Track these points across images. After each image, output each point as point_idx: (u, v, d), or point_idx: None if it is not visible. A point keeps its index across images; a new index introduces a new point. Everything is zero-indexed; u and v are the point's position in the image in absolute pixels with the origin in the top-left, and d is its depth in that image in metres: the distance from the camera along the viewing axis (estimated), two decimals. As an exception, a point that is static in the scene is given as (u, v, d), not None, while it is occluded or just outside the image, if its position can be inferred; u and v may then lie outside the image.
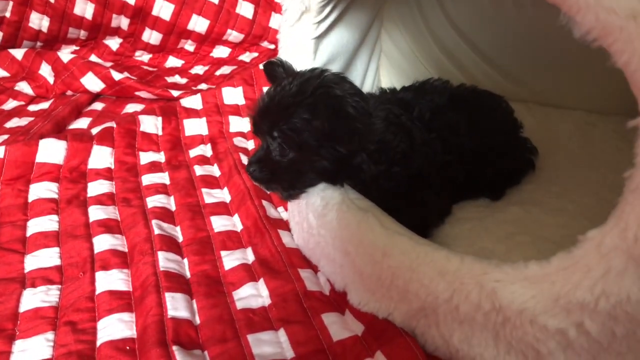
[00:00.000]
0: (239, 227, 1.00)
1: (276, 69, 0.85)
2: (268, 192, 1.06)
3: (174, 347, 0.71)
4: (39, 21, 1.66)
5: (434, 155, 0.89)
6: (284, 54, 1.00)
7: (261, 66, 1.51)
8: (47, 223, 0.99)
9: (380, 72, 1.36)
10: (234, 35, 1.81)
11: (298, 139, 0.72)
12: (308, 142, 0.73)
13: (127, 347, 0.73)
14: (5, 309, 0.79)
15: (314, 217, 0.80)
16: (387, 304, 0.72)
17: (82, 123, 1.42)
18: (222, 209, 1.06)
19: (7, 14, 1.61)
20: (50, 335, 0.75)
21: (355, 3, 1.04)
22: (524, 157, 1.03)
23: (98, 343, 0.74)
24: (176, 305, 0.78)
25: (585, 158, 1.08)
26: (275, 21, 1.84)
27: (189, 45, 1.83)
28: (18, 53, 1.60)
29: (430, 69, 1.37)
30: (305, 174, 0.78)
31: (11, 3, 1.61)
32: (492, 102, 1.03)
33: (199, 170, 1.19)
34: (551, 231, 0.85)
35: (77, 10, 1.68)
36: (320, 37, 0.98)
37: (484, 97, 1.03)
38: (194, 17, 1.75)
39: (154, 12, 1.73)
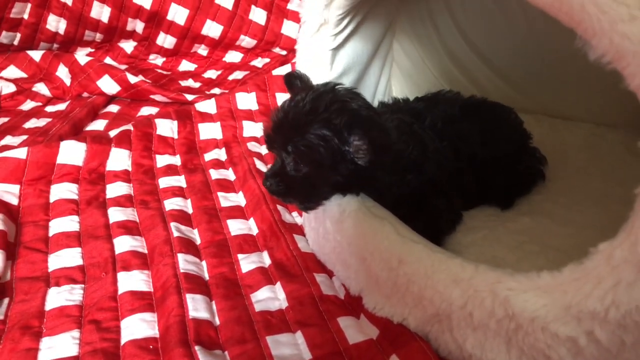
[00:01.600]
0: (254, 230, 1.03)
1: (294, 81, 0.86)
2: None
3: (196, 347, 0.73)
4: (56, 23, 1.70)
5: (446, 163, 0.91)
6: (301, 65, 1.03)
7: (274, 72, 1.55)
8: (68, 223, 1.02)
9: (392, 81, 1.39)
10: (246, 41, 1.84)
11: (312, 154, 0.74)
12: (323, 158, 0.74)
13: (151, 346, 0.75)
14: (32, 307, 0.82)
15: (331, 224, 0.83)
16: (401, 309, 0.74)
17: (98, 125, 1.45)
18: (237, 212, 1.09)
19: (25, 16, 1.65)
20: (75, 333, 0.77)
21: (370, 15, 1.06)
22: (534, 167, 1.06)
23: (122, 342, 0.76)
24: (197, 306, 0.81)
25: (593, 170, 1.10)
26: (287, 28, 1.87)
27: (202, 50, 1.86)
28: (36, 54, 1.64)
29: (441, 79, 1.40)
30: (321, 187, 0.80)
31: (29, 5, 1.64)
32: (502, 113, 1.05)
33: (214, 174, 1.22)
34: (560, 241, 0.87)
35: (94, 13, 1.72)
36: (336, 49, 1.01)
37: (494, 108, 1.06)
38: (208, 22, 1.78)
39: (169, 17, 1.76)
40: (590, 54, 0.51)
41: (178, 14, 1.76)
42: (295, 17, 1.88)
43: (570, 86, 1.25)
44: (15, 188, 1.08)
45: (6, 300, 0.83)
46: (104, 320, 0.80)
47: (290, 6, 1.86)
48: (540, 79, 1.29)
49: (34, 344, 0.75)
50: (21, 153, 1.12)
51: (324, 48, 1.00)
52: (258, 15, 1.84)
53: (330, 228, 0.83)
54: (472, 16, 1.32)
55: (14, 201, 1.05)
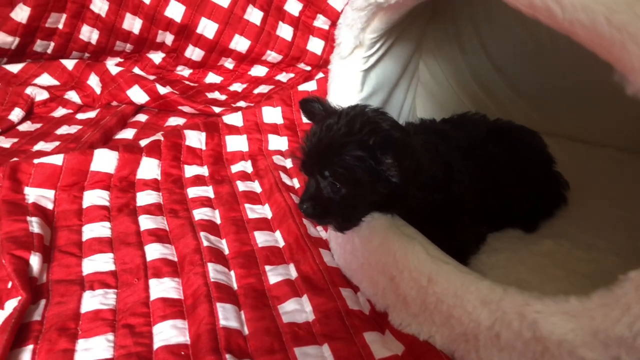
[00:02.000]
0: (280, 243, 1.06)
1: (314, 106, 0.89)
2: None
3: (227, 355, 0.76)
4: (89, 34, 1.75)
5: (471, 184, 0.93)
6: (333, 85, 1.06)
7: (300, 88, 1.59)
8: (100, 229, 1.05)
9: (416, 101, 1.42)
10: (272, 56, 1.88)
11: (350, 175, 0.77)
12: (361, 178, 0.77)
13: (182, 353, 0.78)
14: (68, 309, 0.84)
15: (360, 241, 0.85)
16: (429, 327, 0.76)
17: (127, 134, 1.49)
18: (264, 224, 1.11)
19: (60, 26, 1.70)
20: (110, 336, 0.80)
21: (401, 37, 1.09)
22: (557, 191, 1.08)
23: (155, 347, 0.79)
24: (227, 316, 0.83)
25: (615, 195, 1.12)
26: (312, 44, 1.90)
27: (229, 63, 1.90)
28: (69, 63, 1.69)
29: (465, 99, 1.42)
30: (358, 208, 0.83)
31: (65, 15, 1.69)
32: (528, 137, 1.07)
33: (241, 185, 1.25)
34: (583, 266, 0.89)
35: (125, 24, 1.77)
36: (368, 70, 1.05)
37: (520, 131, 1.08)
38: (236, 36, 1.82)
39: (198, 30, 1.80)
40: (628, 89, 0.53)
41: (207, 28, 1.80)
42: (320, 33, 1.92)
43: (593, 112, 1.27)
44: (50, 193, 1.12)
45: (43, 302, 0.86)
46: (137, 325, 0.82)
47: (316, 23, 1.90)
48: (564, 103, 1.32)
49: (71, 345, 0.78)
50: (57, 159, 1.15)
51: (356, 69, 1.03)
52: (285, 31, 1.88)
53: (359, 245, 0.86)
54: (498, 38, 1.35)
55: (50, 206, 1.09)
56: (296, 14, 1.89)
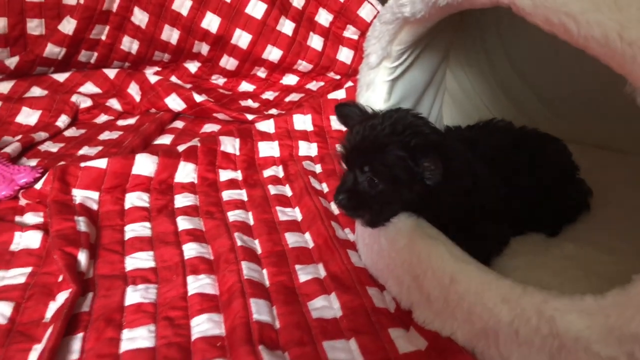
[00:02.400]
0: (310, 244, 1.11)
1: (351, 109, 0.95)
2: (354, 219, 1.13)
3: (260, 347, 0.81)
4: (129, 44, 1.84)
5: (495, 190, 0.97)
6: (361, 93, 1.11)
7: (329, 96, 1.64)
8: (141, 229, 1.12)
9: (443, 109, 1.45)
10: (303, 65, 1.94)
11: (389, 173, 0.82)
12: (399, 176, 0.82)
13: (218, 344, 0.83)
14: (113, 302, 0.91)
15: (386, 241, 0.90)
16: (451, 323, 0.80)
17: (165, 139, 1.56)
18: (294, 226, 1.17)
19: (103, 37, 1.80)
20: (152, 327, 0.86)
21: (428, 47, 1.14)
22: (580, 198, 1.10)
23: (192, 338, 0.84)
24: (260, 310, 0.89)
25: (639, 203, 1.13)
26: (342, 54, 1.96)
27: (261, 72, 1.97)
28: (111, 72, 1.78)
29: (490, 107, 1.45)
30: (391, 205, 0.88)
31: (107, 27, 1.79)
32: (552, 145, 1.10)
33: (272, 189, 1.31)
34: (604, 268, 0.90)
35: (164, 36, 1.85)
36: (395, 79, 1.09)
37: (544, 139, 1.10)
38: (269, 47, 1.89)
39: (233, 41, 1.87)
40: (639, 100, 0.57)
41: (242, 38, 1.87)
42: (350, 44, 1.97)
43: (618, 120, 1.28)
44: (95, 195, 1.20)
45: (90, 295, 0.93)
46: (176, 317, 0.88)
47: (346, 33, 1.95)
48: (589, 111, 1.33)
49: (116, 334, 0.84)
50: (102, 163, 1.23)
51: (383, 79, 1.08)
52: (315, 41, 1.94)
53: (385, 245, 0.90)
54: (523, 46, 1.37)
55: (95, 207, 1.17)
56: (326, 24, 1.94)
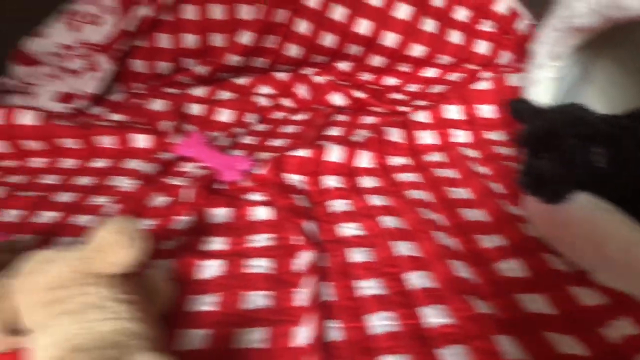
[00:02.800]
0: (488, 218, 1.31)
1: (523, 105, 1.15)
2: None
3: (466, 296, 1.04)
4: (294, 50, 2.13)
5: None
6: (528, 91, 1.29)
7: (471, 86, 1.81)
8: (343, 205, 1.38)
9: (593, 103, 1.58)
10: (444, 59, 2.13)
11: (566, 158, 1.02)
12: (573, 161, 1.01)
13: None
14: (341, 261, 1.17)
15: (567, 215, 1.08)
16: (633, 282, 0.98)
17: (334, 131, 1.83)
18: (465, 203, 1.38)
19: (273, 45, 2.10)
20: (379, 281, 1.12)
21: (587, 48, 1.29)
22: None
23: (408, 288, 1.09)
24: (459, 269, 1.11)
25: None
26: (480, 47, 2.12)
27: (405, 67, 2.18)
28: (280, 75, 2.09)
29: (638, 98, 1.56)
30: (568, 185, 1.06)
31: (279, 37, 2.09)
32: None
33: (438, 172, 1.53)
34: None
35: (323, 41, 2.12)
36: (558, 78, 1.26)
37: None
38: (413, 45, 2.10)
39: (381, 41, 2.10)
40: None
41: (388, 38, 2.10)
42: (484, 36, 2.13)
43: None
44: (301, 178, 1.50)
45: (325, 254, 1.20)
46: (393, 273, 1.13)
47: (483, 27, 2.11)
48: None
49: (351, 284, 1.11)
50: (302, 153, 1.54)
51: (548, 77, 1.26)
52: (455, 36, 2.12)
53: (566, 219, 1.09)
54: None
55: (304, 187, 1.47)
56: (465, 20, 2.12)
